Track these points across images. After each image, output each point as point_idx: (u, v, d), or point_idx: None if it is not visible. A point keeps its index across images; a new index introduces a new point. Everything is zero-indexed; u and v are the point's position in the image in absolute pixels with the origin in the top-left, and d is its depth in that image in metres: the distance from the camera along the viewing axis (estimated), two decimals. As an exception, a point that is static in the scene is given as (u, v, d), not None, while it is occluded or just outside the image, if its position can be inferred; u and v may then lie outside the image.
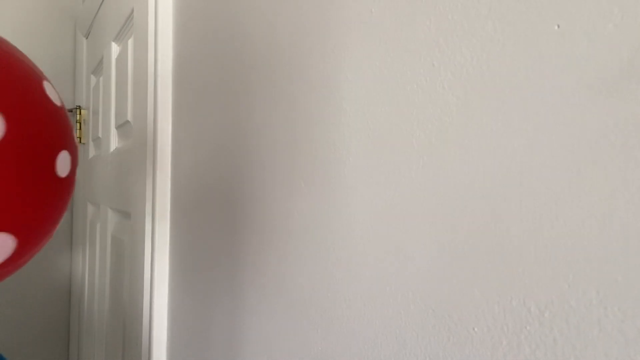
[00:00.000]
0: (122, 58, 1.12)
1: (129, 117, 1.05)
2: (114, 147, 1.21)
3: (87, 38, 1.55)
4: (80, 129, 1.59)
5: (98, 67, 1.40)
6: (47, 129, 0.53)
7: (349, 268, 0.43)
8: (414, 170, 0.36)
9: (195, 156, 0.77)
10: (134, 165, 0.97)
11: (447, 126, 0.34)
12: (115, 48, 1.21)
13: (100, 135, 1.35)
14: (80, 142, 1.59)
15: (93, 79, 1.48)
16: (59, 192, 0.57)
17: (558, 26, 0.27)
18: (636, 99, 0.24)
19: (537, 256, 0.29)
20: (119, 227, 1.18)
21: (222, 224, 0.68)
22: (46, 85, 0.56)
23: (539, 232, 0.28)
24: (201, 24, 0.75)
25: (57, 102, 0.58)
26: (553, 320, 0.28)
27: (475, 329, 0.32)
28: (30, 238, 0.53)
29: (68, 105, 1.67)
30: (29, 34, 1.58)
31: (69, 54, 1.66)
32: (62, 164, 0.56)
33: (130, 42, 1.05)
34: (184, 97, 0.82)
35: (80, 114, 1.59)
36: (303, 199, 0.49)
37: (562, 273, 0.27)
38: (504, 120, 0.30)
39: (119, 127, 1.16)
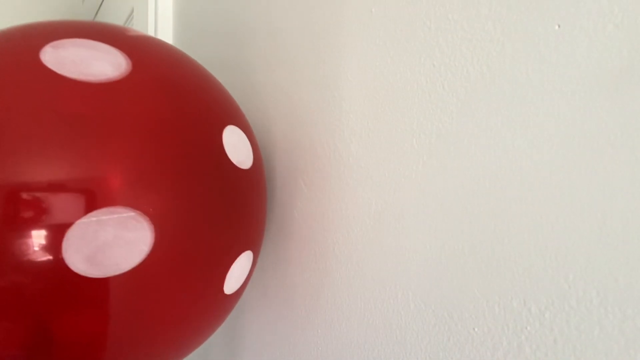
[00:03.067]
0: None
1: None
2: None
3: (87, 38, 1.55)
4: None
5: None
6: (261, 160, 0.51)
7: (349, 268, 0.43)
8: (414, 170, 0.36)
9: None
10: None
11: (447, 126, 0.34)
12: (115, 48, 1.21)
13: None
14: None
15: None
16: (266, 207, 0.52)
17: (558, 26, 0.27)
18: (636, 99, 0.24)
19: (537, 256, 0.29)
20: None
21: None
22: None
23: (539, 232, 0.28)
24: (201, 23, 0.75)
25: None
26: (554, 320, 0.28)
27: (476, 329, 0.32)
28: (258, 252, 0.50)
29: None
30: (29, 34, 1.58)
31: (68, 54, 1.66)
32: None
33: (130, 42, 1.04)
34: (184, 97, 0.82)
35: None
36: (303, 198, 0.49)
37: (562, 273, 0.27)
38: (504, 120, 0.30)
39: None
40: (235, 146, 0.42)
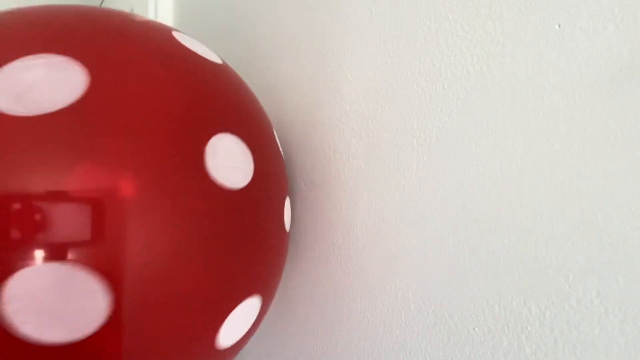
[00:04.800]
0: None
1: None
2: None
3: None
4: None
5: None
6: (278, 174, 0.41)
7: (349, 268, 0.43)
8: (414, 170, 0.36)
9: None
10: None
11: (447, 126, 0.34)
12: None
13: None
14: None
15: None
16: (286, 246, 0.44)
17: (559, 26, 0.27)
18: (636, 99, 0.24)
19: (537, 256, 0.29)
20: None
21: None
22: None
23: (539, 232, 0.28)
24: (201, 23, 0.75)
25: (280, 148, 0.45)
26: (554, 320, 0.28)
27: (476, 329, 0.32)
28: (270, 296, 0.42)
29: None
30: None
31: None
32: (287, 215, 0.43)
33: (129, 42, 1.04)
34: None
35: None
36: (303, 199, 0.49)
37: (562, 273, 0.27)
38: (504, 120, 0.30)
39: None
40: (224, 161, 0.33)
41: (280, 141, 0.53)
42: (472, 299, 0.32)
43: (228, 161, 0.34)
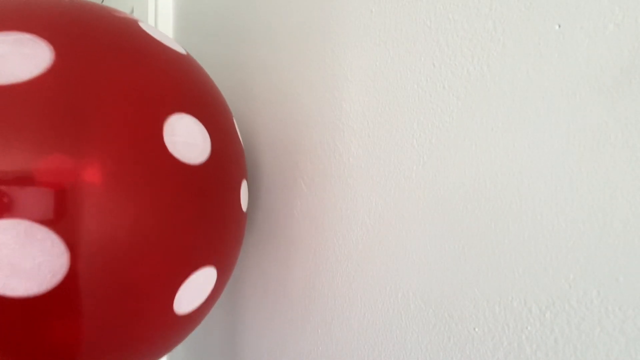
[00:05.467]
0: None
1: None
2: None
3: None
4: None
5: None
6: (235, 156, 0.44)
7: (350, 268, 0.43)
8: (414, 170, 0.36)
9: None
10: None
11: (447, 126, 0.34)
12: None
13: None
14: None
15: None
16: (243, 225, 0.46)
17: (559, 26, 0.27)
18: (636, 99, 0.24)
19: (537, 256, 0.29)
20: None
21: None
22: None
23: (539, 232, 0.28)
24: (201, 23, 0.75)
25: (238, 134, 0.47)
26: (554, 320, 0.28)
27: (476, 329, 0.32)
28: (226, 269, 0.44)
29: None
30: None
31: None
32: (244, 196, 0.45)
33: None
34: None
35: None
36: (303, 199, 0.49)
37: (562, 273, 0.27)
38: (504, 120, 0.30)
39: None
40: (182, 137, 0.35)
41: (280, 141, 0.53)
42: (472, 299, 0.32)
43: (186, 138, 0.36)
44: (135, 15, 0.96)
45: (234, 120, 0.46)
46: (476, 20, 0.32)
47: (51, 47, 0.31)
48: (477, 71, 0.32)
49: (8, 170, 0.27)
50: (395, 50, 0.38)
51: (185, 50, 0.44)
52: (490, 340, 0.31)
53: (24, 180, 0.28)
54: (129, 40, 0.36)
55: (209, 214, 0.38)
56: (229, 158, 0.42)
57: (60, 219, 0.28)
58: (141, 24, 0.40)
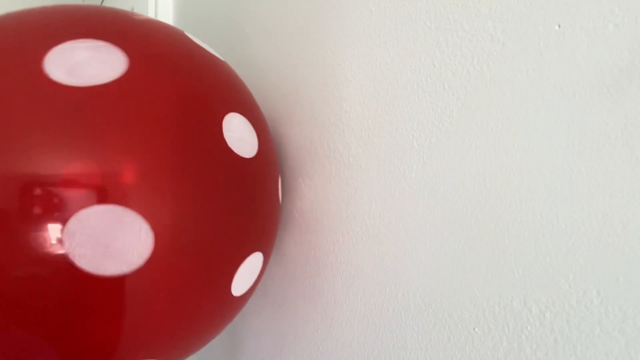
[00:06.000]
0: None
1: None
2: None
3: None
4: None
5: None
6: (275, 154, 0.48)
7: (350, 268, 0.43)
8: (414, 170, 0.36)
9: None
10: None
11: (447, 126, 0.34)
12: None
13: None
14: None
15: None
16: (280, 214, 0.49)
17: (559, 26, 0.27)
18: (636, 99, 0.24)
19: (537, 256, 0.29)
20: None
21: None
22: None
23: (539, 232, 0.28)
24: (201, 23, 0.75)
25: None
26: (554, 320, 0.28)
27: (476, 329, 0.32)
28: (269, 253, 0.48)
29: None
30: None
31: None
32: (280, 189, 0.48)
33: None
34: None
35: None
36: (303, 199, 0.49)
37: (562, 273, 0.27)
38: (504, 120, 0.30)
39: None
40: (237, 133, 0.40)
41: (280, 141, 0.53)
42: (472, 299, 0.32)
43: (240, 134, 0.40)
44: (136, 15, 0.96)
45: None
46: (476, 20, 0.32)
47: (125, 54, 0.35)
48: (477, 71, 0.32)
49: (102, 164, 0.31)
50: (395, 50, 0.38)
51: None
52: (490, 340, 0.31)
53: (115, 174, 0.31)
54: (186, 49, 0.41)
55: (260, 203, 0.42)
56: (271, 154, 0.46)
57: (147, 205, 0.32)
58: (188, 34, 0.44)
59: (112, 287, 0.32)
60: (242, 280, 0.42)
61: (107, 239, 0.31)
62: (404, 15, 0.37)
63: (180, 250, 0.34)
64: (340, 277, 0.44)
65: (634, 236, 0.24)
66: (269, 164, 0.45)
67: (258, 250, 0.43)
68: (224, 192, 0.37)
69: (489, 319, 0.31)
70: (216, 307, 0.41)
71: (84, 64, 0.33)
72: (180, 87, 0.37)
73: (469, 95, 0.32)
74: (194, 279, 0.36)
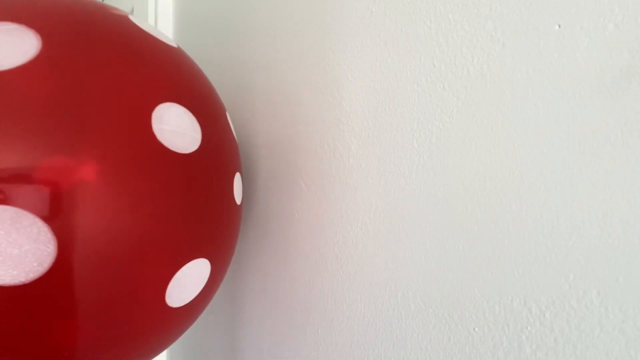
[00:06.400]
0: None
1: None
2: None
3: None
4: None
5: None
6: (228, 148, 0.44)
7: (349, 268, 0.43)
8: (414, 170, 0.36)
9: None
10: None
11: (447, 126, 0.34)
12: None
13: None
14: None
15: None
16: (237, 218, 0.46)
17: (559, 26, 0.27)
18: (636, 99, 0.24)
19: (537, 256, 0.29)
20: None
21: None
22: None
23: (539, 232, 0.28)
24: (201, 23, 0.75)
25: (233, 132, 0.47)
26: (554, 320, 0.28)
27: (476, 329, 0.32)
28: (220, 262, 0.44)
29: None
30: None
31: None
32: (238, 189, 0.45)
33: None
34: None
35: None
36: (303, 199, 0.49)
37: (562, 273, 0.27)
38: (504, 120, 0.30)
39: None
40: (171, 126, 0.35)
41: (280, 141, 0.53)
42: (472, 299, 0.32)
43: (175, 127, 0.35)
44: (136, 15, 0.96)
45: (227, 115, 0.46)
46: (476, 20, 0.32)
47: (38, 37, 0.31)
48: (477, 71, 0.32)
49: None
50: (395, 50, 0.38)
51: (177, 44, 0.45)
52: (490, 340, 0.31)
53: (10, 170, 0.27)
54: (118, 33, 0.36)
55: (200, 204, 0.37)
56: (220, 149, 0.41)
57: (46, 207, 0.28)
58: (132, 18, 0.40)
59: (8, 298, 0.28)
60: (181, 289, 0.37)
61: (1, 245, 0.27)
62: (404, 15, 0.37)
63: (91, 258, 0.30)
64: (340, 277, 0.44)
65: (634, 236, 0.24)
66: (216, 159, 0.40)
67: (201, 257, 0.39)
68: (150, 190, 0.33)
69: (489, 319, 0.31)
70: (148, 320, 0.37)
71: None
72: (100, 76, 0.32)
73: (469, 95, 0.32)
74: (112, 288, 0.32)
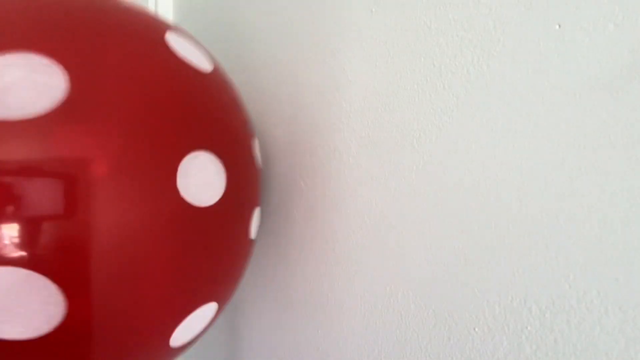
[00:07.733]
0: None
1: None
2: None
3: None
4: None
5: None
6: (251, 187, 0.42)
7: (350, 268, 0.43)
8: (414, 170, 0.36)
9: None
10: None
11: (447, 126, 0.34)
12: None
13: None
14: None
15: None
16: (249, 253, 0.44)
17: (559, 26, 0.27)
18: (636, 98, 0.24)
19: (537, 256, 0.29)
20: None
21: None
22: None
23: (539, 232, 0.28)
24: (201, 24, 0.75)
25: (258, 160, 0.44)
26: (554, 320, 0.28)
27: (476, 329, 0.32)
28: (226, 301, 0.43)
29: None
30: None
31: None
32: (255, 224, 0.43)
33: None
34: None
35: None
36: (303, 198, 0.49)
37: (562, 273, 0.27)
38: (504, 120, 0.30)
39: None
40: (196, 179, 0.33)
41: (280, 141, 0.53)
42: (472, 299, 0.32)
43: (200, 179, 0.33)
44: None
45: (254, 141, 0.44)
46: (476, 20, 0.32)
47: (67, 75, 0.28)
48: (477, 71, 0.32)
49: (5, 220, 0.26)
50: (395, 50, 0.38)
51: (214, 62, 0.41)
52: (490, 340, 0.31)
53: (25, 231, 0.26)
54: (149, 63, 0.33)
55: (216, 252, 0.36)
56: (243, 192, 0.39)
57: (59, 269, 0.27)
58: (168, 37, 0.36)
59: (18, 352, 0.28)
60: (185, 331, 0.37)
61: (12, 303, 0.27)
62: (404, 15, 0.37)
63: (101, 314, 0.29)
64: (340, 277, 0.44)
65: (634, 236, 0.24)
66: (238, 205, 0.38)
67: (212, 301, 0.38)
68: (170, 246, 0.32)
69: (489, 319, 0.31)
70: (148, 357, 0.36)
71: (12, 90, 0.26)
72: (129, 124, 0.30)
73: (469, 95, 0.32)
74: (118, 342, 0.32)
